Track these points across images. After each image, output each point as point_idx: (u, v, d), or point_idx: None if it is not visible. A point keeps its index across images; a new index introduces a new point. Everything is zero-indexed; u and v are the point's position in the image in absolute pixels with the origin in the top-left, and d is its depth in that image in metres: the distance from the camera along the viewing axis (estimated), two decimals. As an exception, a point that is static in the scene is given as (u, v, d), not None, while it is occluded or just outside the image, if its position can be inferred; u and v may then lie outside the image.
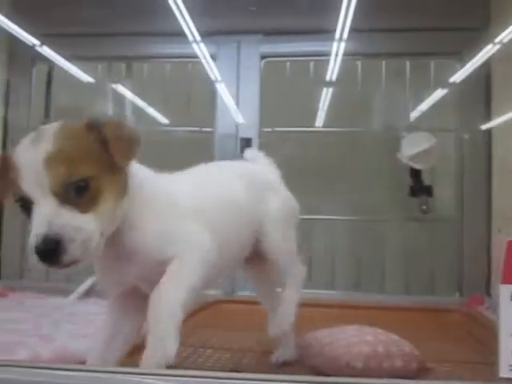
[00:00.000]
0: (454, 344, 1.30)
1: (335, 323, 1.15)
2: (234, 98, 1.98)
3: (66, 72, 2.13)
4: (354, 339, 0.95)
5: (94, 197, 0.75)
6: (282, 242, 1.11)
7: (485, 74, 1.92)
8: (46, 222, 0.70)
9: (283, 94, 1.99)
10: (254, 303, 1.39)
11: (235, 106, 1.99)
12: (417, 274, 1.98)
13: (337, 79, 1.97)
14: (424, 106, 2.06)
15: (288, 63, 2.02)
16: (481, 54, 1.80)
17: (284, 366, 1.08)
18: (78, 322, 1.35)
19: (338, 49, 1.82)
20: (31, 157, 0.72)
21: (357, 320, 1.12)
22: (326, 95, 2.02)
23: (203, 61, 1.90)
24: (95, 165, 0.75)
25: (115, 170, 0.77)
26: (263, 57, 2.01)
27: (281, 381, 0.69)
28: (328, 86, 1.98)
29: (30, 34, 1.98)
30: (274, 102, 2.04)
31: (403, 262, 1.99)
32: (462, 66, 1.93)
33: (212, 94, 2.02)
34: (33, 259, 0.70)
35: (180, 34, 1.88)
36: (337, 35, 1.74)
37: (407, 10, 1.92)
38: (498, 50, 1.75)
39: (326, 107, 2.06)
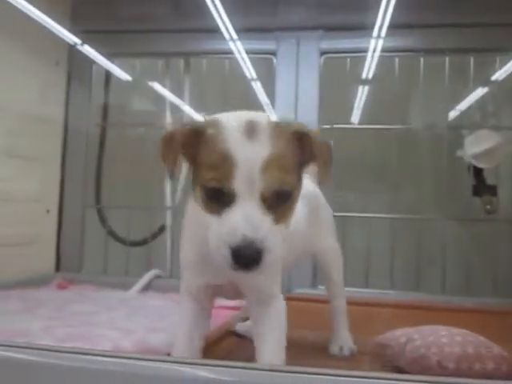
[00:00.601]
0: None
1: (398, 323, 1.14)
2: (293, 94, 1.97)
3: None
4: (444, 340, 0.93)
5: (289, 210, 0.74)
6: (337, 256, 1.20)
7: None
8: (251, 225, 0.68)
9: (343, 91, 1.98)
10: (315, 301, 1.39)
11: (293, 103, 1.98)
12: (479, 275, 1.94)
13: (382, 76, 1.96)
14: (478, 103, 2.02)
15: (348, 59, 2.00)
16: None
17: (359, 364, 1.08)
18: (149, 315, 1.37)
19: (375, 45, 1.81)
20: (249, 154, 0.70)
21: (421, 320, 1.10)
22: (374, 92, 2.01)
23: (240, 61, 1.91)
24: (296, 176, 0.75)
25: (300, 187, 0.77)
26: (323, 53, 2.00)
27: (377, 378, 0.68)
28: (365, 84, 1.97)
29: (86, 32, 2.04)
30: (334, 98, 2.03)
31: (464, 263, 1.95)
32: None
33: (272, 90, 2.02)
34: (221, 255, 0.70)
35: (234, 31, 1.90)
36: (375, 32, 1.73)
37: (448, 5, 1.88)
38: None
39: (370, 104, 2.06)
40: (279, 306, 0.87)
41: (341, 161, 2.03)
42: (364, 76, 1.99)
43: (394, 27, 1.76)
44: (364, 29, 1.94)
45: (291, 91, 1.97)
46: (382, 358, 1.05)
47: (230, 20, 1.84)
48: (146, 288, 1.93)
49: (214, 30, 2.01)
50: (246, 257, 0.68)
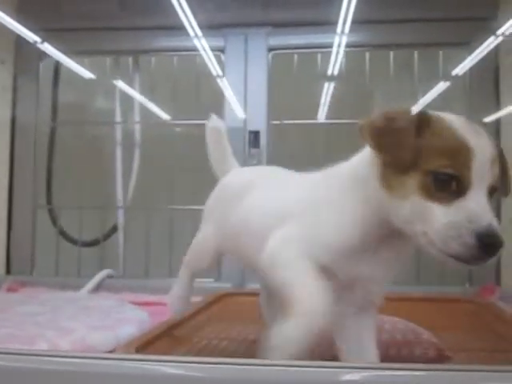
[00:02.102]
0: (468, 333, 1.30)
1: None
2: (242, 91, 1.98)
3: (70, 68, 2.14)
4: (373, 327, 0.96)
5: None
6: None
7: (493, 64, 1.93)
8: (492, 215, 0.69)
9: (291, 87, 1.99)
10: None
11: (242, 99, 1.99)
12: (427, 264, 1.98)
13: (344, 71, 1.98)
14: (431, 96, 2.06)
15: (296, 55, 2.01)
16: (485, 44, 1.80)
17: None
18: (94, 315, 1.36)
19: (340, 41, 1.83)
20: (484, 146, 0.72)
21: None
22: (328, 88, 2.03)
23: (204, 56, 1.90)
24: None
25: None
26: (271, 49, 2.01)
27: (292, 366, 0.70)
28: (330, 80, 1.99)
29: (34, 30, 1.99)
30: (282, 94, 2.04)
31: (414, 254, 1.99)
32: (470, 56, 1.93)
33: (220, 88, 2.02)
34: (459, 243, 0.69)
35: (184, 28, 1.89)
36: (339, 28, 1.75)
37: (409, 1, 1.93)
38: (505, 41, 1.75)
39: (328, 100, 2.07)
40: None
41: (291, 154, 2.09)
42: (328, 71, 2.00)
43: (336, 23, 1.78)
44: (311, 25, 1.98)
45: (240, 87, 1.98)
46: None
47: (177, 17, 1.84)
48: (98, 288, 1.92)
49: (164, 28, 2.01)
50: (494, 244, 0.68)
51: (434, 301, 1.71)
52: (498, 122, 1.95)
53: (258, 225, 0.93)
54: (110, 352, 1.07)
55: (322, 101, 2.07)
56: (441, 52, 2.01)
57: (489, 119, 1.96)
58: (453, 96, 2.08)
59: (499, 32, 1.71)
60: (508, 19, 1.70)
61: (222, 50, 2.02)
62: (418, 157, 0.74)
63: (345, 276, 0.81)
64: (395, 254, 0.84)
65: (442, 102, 2.03)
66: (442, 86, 2.02)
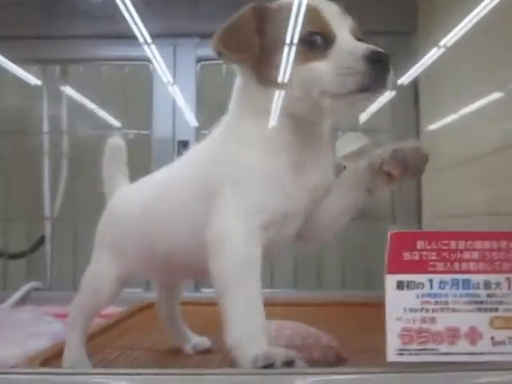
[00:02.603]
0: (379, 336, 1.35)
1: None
2: (171, 101, 1.99)
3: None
4: (273, 333, 0.98)
5: None
6: None
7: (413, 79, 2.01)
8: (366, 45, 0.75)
9: (219, 96, 2.01)
10: (190, 304, 1.41)
11: (171, 109, 2.00)
12: (352, 269, 2.04)
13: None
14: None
15: (224, 66, 2.04)
16: (410, 71, 1.88)
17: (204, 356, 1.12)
18: (7, 329, 1.33)
19: None
20: (330, 5, 0.80)
21: (292, 317, 1.15)
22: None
23: (155, 64, 1.90)
24: None
25: None
26: (199, 60, 2.03)
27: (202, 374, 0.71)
28: None
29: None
30: (212, 104, 2.06)
31: (340, 259, 2.05)
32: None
33: (149, 97, 2.03)
34: (354, 70, 0.73)
35: (119, 37, 1.89)
36: None
37: None
38: (425, 57, 1.84)
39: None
40: None
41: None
42: None
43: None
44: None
45: (169, 98, 1.99)
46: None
47: (105, 26, 1.84)
48: (23, 301, 1.87)
49: (90, 36, 2.00)
50: (382, 56, 0.73)
51: (359, 305, 1.76)
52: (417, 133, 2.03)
53: (183, 209, 0.88)
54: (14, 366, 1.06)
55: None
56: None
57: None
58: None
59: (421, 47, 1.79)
60: (427, 36, 1.79)
61: (150, 61, 2.02)
62: (271, 40, 0.81)
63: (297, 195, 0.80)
64: (318, 157, 0.85)
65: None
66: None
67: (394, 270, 0.67)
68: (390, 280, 0.67)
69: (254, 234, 0.76)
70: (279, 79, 0.80)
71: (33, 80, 2.10)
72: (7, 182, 2.02)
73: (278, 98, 0.83)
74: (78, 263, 2.02)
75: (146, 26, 2.00)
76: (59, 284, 2.05)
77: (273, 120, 0.84)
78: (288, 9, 0.81)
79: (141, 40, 1.84)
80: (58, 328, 1.37)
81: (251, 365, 0.68)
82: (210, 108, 2.07)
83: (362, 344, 1.20)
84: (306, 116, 0.84)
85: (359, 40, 0.79)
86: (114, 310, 1.70)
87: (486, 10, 1.33)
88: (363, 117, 2.14)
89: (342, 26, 0.78)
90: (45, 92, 2.16)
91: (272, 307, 1.64)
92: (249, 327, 0.74)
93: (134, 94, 2.06)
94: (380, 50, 0.73)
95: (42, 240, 2.13)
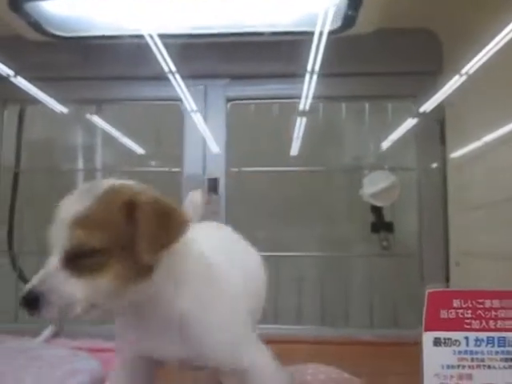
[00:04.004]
0: (412, 376, 1.35)
1: (301, 359, 1.20)
2: (201, 140, 2.05)
3: (39, 108, 2.18)
4: (308, 377, 1.00)
5: (96, 268, 0.77)
6: None
7: (439, 116, 2.04)
8: (39, 277, 0.77)
9: (250, 135, 2.08)
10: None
11: (201, 147, 2.06)
12: (381, 308, 2.04)
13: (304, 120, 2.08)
14: (384, 145, 2.17)
15: (253, 106, 2.10)
16: (435, 97, 1.92)
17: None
18: (44, 366, 1.37)
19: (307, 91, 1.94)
20: (64, 210, 0.78)
21: (323, 356, 1.17)
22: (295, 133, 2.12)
23: (183, 98, 1.97)
24: (113, 239, 0.77)
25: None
26: (229, 99, 2.10)
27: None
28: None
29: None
30: (241, 142, 2.12)
31: (368, 297, 2.05)
32: (417, 109, 2.04)
33: (180, 135, 2.09)
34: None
35: (150, 78, 1.96)
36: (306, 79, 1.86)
37: (364, 55, 2.04)
38: (450, 94, 1.87)
39: (292, 145, 2.16)
40: (257, 365, 0.88)
41: (249, 200, 2.16)
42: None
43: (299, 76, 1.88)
44: (268, 77, 2.07)
45: (199, 137, 2.05)
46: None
47: (138, 68, 1.92)
48: (57, 335, 1.92)
49: (123, 78, 2.08)
50: (25, 304, 0.75)
51: (388, 344, 1.76)
52: (444, 167, 2.05)
53: None
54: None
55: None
56: (390, 104, 2.12)
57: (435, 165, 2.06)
58: (405, 144, 2.19)
59: (447, 86, 1.83)
60: (451, 74, 1.83)
61: (181, 100, 2.09)
62: None
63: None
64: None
65: (394, 150, 2.14)
66: (396, 134, 2.14)
67: (431, 328, 0.69)
68: (428, 337, 0.69)
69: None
70: None
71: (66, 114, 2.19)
72: (43, 218, 2.08)
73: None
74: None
75: (178, 67, 2.10)
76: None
77: None
78: None
79: (173, 81, 1.92)
80: (94, 365, 1.40)
81: None
82: (240, 146, 2.12)
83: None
84: None
85: (84, 253, 0.76)
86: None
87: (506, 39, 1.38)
88: (388, 153, 2.18)
89: (57, 242, 0.78)
90: (80, 130, 2.24)
91: (299, 344, 1.68)
92: None
93: (166, 132, 2.13)
94: (30, 294, 0.75)
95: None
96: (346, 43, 1.99)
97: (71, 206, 0.77)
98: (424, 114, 2.01)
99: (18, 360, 1.43)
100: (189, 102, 2.00)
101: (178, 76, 1.89)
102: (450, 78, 1.81)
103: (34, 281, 0.76)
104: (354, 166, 2.18)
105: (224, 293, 0.89)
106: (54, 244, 0.78)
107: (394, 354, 1.65)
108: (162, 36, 1.98)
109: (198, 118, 2.06)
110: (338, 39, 2.00)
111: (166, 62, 1.84)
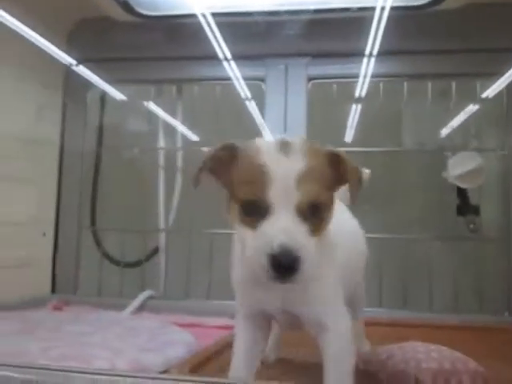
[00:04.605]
0: (507, 363, 1.31)
1: (386, 341, 1.18)
2: (282, 119, 2.04)
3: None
4: (421, 355, 0.98)
5: (322, 224, 0.77)
6: None
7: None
8: (288, 234, 0.71)
9: (330, 115, 2.05)
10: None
11: (282, 127, 2.05)
12: (465, 292, 1.98)
13: (382, 99, 2.03)
14: (463, 119, 2.09)
15: (335, 85, 2.07)
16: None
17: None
18: (140, 336, 1.41)
19: (366, 70, 1.89)
20: (284, 168, 0.73)
21: (408, 338, 1.15)
22: (361, 115, 2.08)
23: (235, 81, 1.95)
24: (331, 194, 0.80)
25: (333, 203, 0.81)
26: (310, 78, 2.07)
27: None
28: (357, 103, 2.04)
29: (82, 60, 2.10)
30: (322, 122, 2.10)
31: (451, 281, 2.00)
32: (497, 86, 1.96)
33: (261, 115, 2.08)
34: (259, 265, 0.72)
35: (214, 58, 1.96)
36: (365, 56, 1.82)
37: (447, 32, 1.97)
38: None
39: (365, 127, 2.12)
40: (339, 330, 0.86)
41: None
42: (355, 96, 2.06)
43: (382, 54, 1.84)
44: (349, 55, 2.03)
45: (280, 116, 2.04)
46: (365, 374, 1.09)
47: (221, 48, 1.92)
48: (140, 309, 1.97)
49: (204, 57, 2.09)
50: (284, 264, 0.70)
51: (472, 329, 1.71)
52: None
53: None
54: (164, 372, 1.12)
55: (355, 127, 2.13)
56: (477, 83, 2.04)
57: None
58: (488, 120, 2.11)
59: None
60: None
61: (263, 80, 2.08)
62: (231, 189, 0.79)
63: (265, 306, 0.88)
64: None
65: (476, 126, 2.06)
66: (472, 109, 2.05)
67: None
68: None
69: (240, 320, 0.93)
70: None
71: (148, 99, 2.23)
72: (125, 195, 2.14)
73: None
74: (190, 273, 2.11)
75: (258, 47, 2.10)
76: (172, 293, 2.14)
77: None
78: (246, 163, 0.78)
79: (222, 59, 1.91)
80: (188, 338, 1.43)
81: None
82: (320, 125, 2.10)
83: (498, 372, 1.17)
84: None
85: (314, 209, 0.75)
86: (227, 322, 1.76)
87: None
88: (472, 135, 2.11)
89: (286, 199, 0.73)
90: (161, 110, 2.28)
91: (378, 327, 1.66)
92: None
93: (245, 112, 2.13)
94: (283, 252, 0.70)
95: (156, 250, 2.23)
96: (434, 19, 1.93)
97: (292, 164, 0.74)
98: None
99: (115, 330, 1.48)
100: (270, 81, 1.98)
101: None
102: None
103: (286, 239, 0.71)
104: (437, 147, 2.11)
105: (335, 262, 0.89)
106: (278, 202, 0.73)
107: (479, 339, 1.61)
108: (242, 14, 1.99)
109: (279, 99, 2.06)
110: (426, 15, 1.95)
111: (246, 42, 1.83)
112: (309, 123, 2.05)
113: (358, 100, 2.07)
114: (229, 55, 1.92)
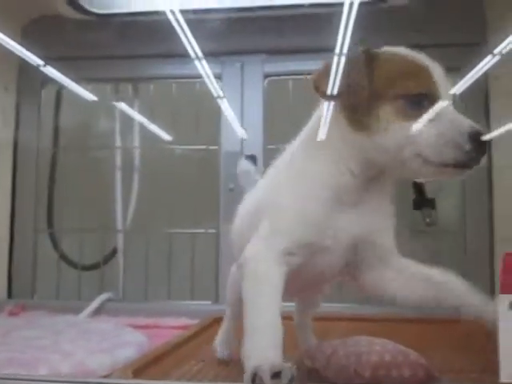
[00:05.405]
0: (461, 354, 1.33)
1: (346, 336, 1.18)
2: (239, 116, 2.03)
3: (73, 93, 2.18)
4: (363, 349, 0.99)
5: None
6: None
7: (483, 87, 1.97)
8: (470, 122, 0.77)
9: (286, 112, 2.04)
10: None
11: (239, 123, 2.04)
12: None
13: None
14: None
15: (290, 81, 2.07)
16: (477, 69, 1.85)
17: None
18: (92, 338, 1.38)
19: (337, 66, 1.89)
20: (434, 64, 0.81)
21: (366, 333, 1.15)
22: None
23: (206, 79, 1.95)
24: None
25: None
26: (266, 76, 2.07)
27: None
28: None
29: (38, 57, 2.05)
30: (278, 119, 2.09)
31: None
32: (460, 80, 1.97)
33: (217, 112, 2.07)
34: (457, 145, 0.75)
35: (185, 55, 1.94)
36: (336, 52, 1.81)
37: (406, 27, 1.98)
38: (494, 65, 1.80)
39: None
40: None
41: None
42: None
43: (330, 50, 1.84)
44: (305, 52, 2.03)
45: (237, 113, 2.03)
46: (312, 370, 1.09)
47: (175, 45, 1.90)
48: (98, 311, 1.94)
49: (159, 56, 2.07)
50: (483, 141, 0.76)
51: (431, 322, 1.73)
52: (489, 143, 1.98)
53: (246, 228, 0.96)
54: (107, 376, 1.10)
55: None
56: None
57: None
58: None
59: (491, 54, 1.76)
60: (496, 44, 1.76)
61: (219, 77, 2.07)
62: (376, 88, 0.80)
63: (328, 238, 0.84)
64: (371, 203, 0.87)
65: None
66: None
67: (507, 290, 0.67)
68: (504, 300, 0.67)
69: (275, 255, 0.81)
70: (374, 128, 0.81)
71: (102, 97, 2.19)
72: (81, 195, 2.11)
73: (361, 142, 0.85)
74: (148, 274, 2.08)
75: (213, 44, 2.07)
76: (131, 295, 2.12)
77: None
78: (396, 61, 0.82)
79: (193, 56, 1.89)
80: (140, 339, 1.41)
81: (249, 377, 0.70)
82: (277, 122, 2.10)
83: (446, 363, 1.18)
84: (384, 167, 0.84)
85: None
86: (185, 322, 1.75)
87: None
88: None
89: (446, 92, 0.80)
90: (118, 106, 2.24)
91: (339, 322, 1.66)
92: (258, 341, 0.75)
93: (203, 110, 2.11)
94: (481, 129, 0.76)
95: (114, 252, 2.20)
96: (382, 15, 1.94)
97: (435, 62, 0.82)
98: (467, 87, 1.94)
99: (69, 333, 1.45)
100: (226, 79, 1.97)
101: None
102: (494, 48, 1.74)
103: (471, 123, 0.77)
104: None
105: None
106: (444, 93, 0.80)
107: (437, 331, 1.63)
108: (197, 11, 1.97)
109: (235, 96, 2.04)
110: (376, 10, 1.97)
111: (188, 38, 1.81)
112: (266, 120, 2.05)
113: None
114: (193, 53, 1.89)
